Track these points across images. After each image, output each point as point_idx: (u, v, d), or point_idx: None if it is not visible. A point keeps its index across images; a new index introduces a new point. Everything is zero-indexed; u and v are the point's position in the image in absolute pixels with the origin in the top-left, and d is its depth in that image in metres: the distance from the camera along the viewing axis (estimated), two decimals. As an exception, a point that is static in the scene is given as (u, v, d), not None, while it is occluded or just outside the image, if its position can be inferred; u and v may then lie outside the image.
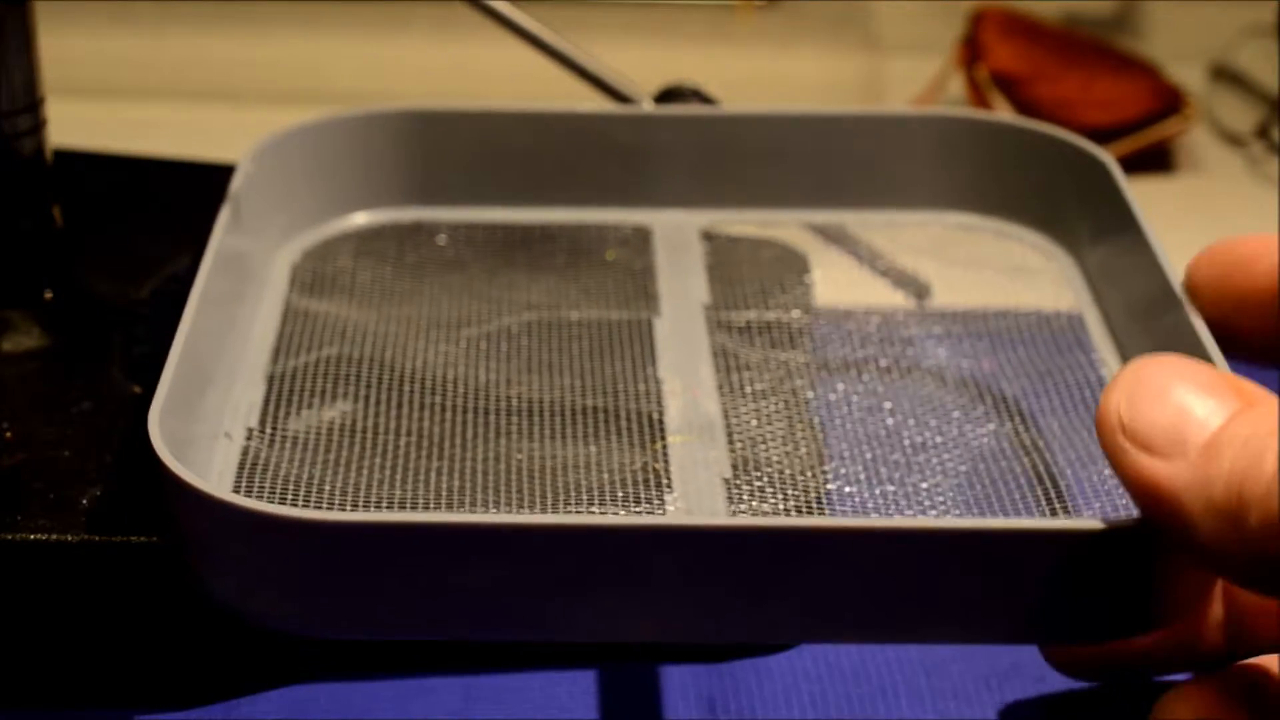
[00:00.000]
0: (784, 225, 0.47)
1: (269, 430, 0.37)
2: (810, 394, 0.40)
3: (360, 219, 0.47)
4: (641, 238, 0.46)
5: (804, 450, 0.38)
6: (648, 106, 0.48)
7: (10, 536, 0.36)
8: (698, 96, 0.49)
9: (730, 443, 0.38)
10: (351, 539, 0.30)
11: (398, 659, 0.38)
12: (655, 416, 0.39)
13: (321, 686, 0.38)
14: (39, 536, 0.36)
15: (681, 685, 0.38)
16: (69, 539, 0.36)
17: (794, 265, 0.46)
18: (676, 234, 0.47)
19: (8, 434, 0.39)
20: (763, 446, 0.38)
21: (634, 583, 0.31)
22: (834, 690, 0.38)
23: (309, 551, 0.30)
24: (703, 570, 0.30)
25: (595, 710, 0.37)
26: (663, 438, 0.38)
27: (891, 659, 0.38)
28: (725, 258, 0.46)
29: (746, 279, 0.45)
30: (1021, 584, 0.30)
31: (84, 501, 0.37)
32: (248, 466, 0.36)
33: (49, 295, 0.44)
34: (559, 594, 0.31)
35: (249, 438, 0.37)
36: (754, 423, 0.39)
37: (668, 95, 0.49)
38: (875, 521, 0.33)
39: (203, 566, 0.33)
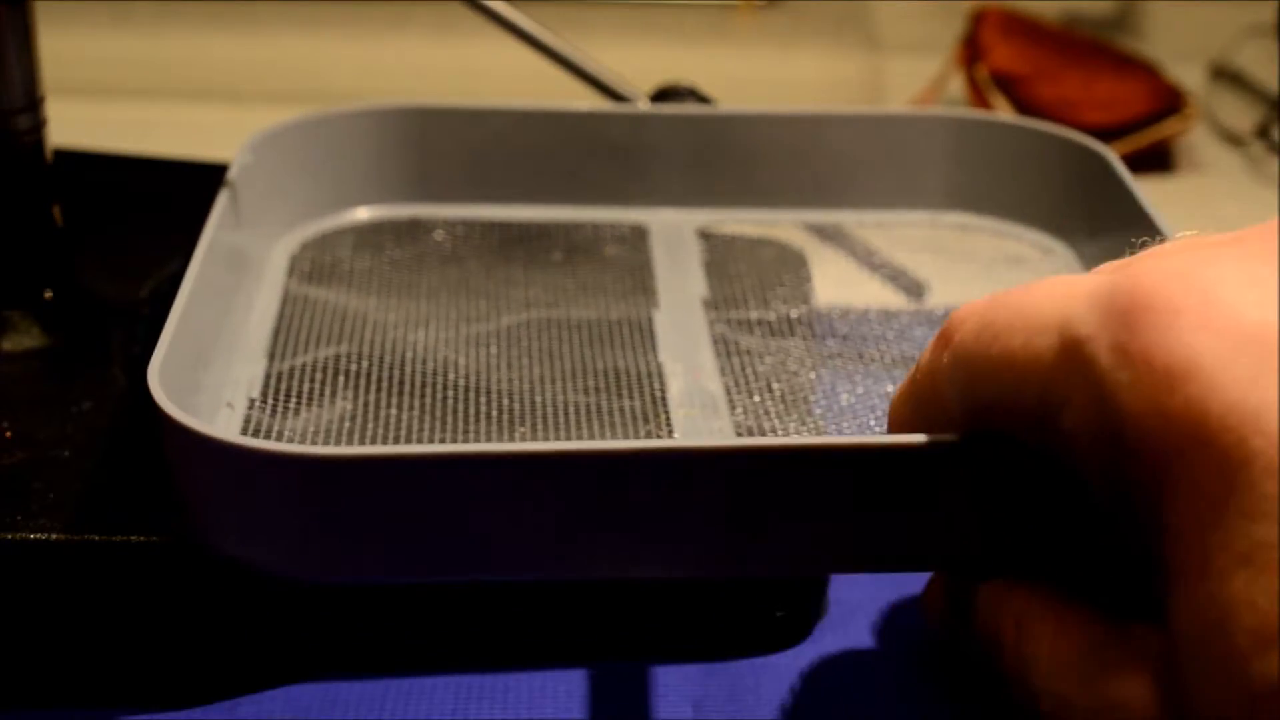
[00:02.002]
0: (781, 225, 0.47)
1: (270, 402, 0.38)
2: (812, 374, 0.40)
3: (358, 214, 0.47)
4: (638, 236, 0.46)
5: (808, 424, 0.38)
6: (643, 105, 0.48)
7: (10, 536, 0.36)
8: (693, 96, 0.49)
9: (733, 413, 0.38)
10: (354, 473, 0.30)
11: (397, 658, 0.38)
12: (658, 395, 0.39)
13: (321, 686, 0.38)
14: (39, 536, 0.36)
15: (672, 685, 0.38)
16: (69, 539, 0.36)
17: (791, 263, 0.46)
18: (673, 232, 0.47)
19: (8, 434, 0.39)
20: (766, 418, 0.38)
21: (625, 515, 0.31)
22: (827, 691, 0.38)
23: (311, 490, 0.30)
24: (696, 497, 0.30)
25: (587, 710, 0.37)
26: (666, 411, 0.38)
27: (889, 657, 0.38)
28: (722, 256, 0.46)
29: (745, 276, 0.45)
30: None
31: (84, 501, 0.37)
32: (249, 431, 0.36)
33: (49, 295, 0.44)
34: (553, 528, 0.31)
35: (250, 407, 0.37)
36: (756, 398, 0.39)
37: (663, 95, 0.49)
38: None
39: (204, 518, 0.32)
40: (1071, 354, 0.25)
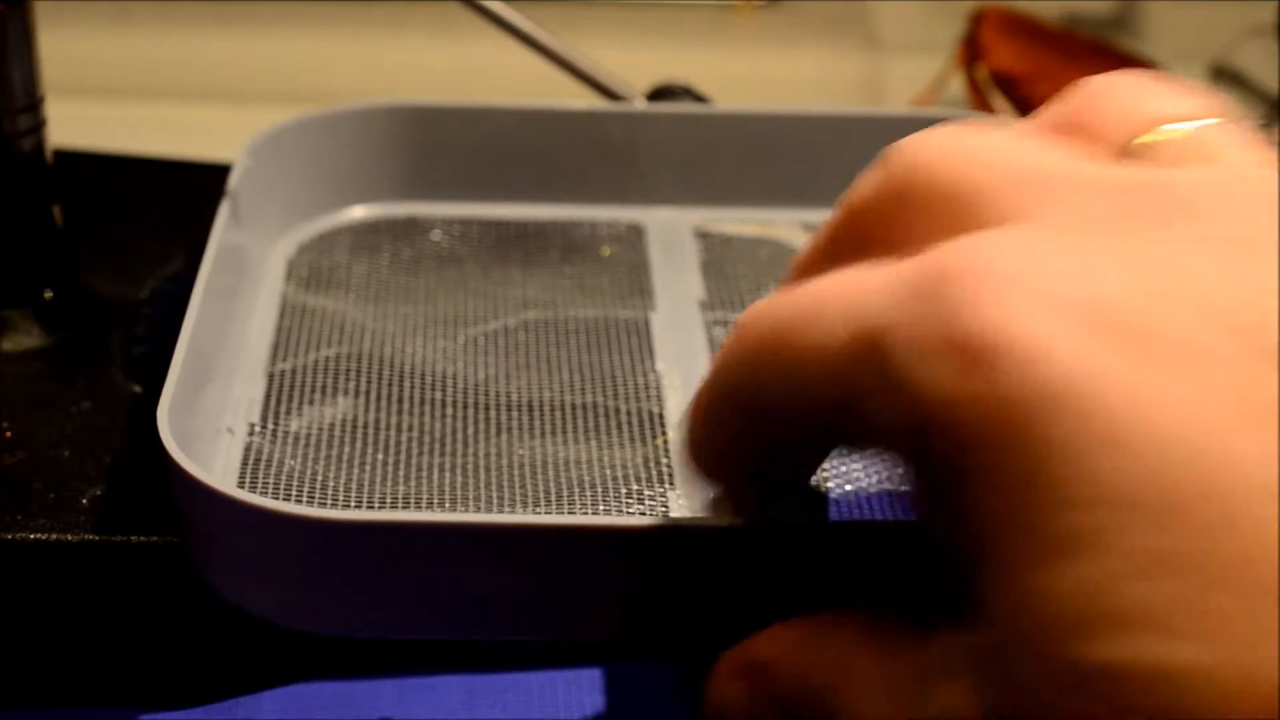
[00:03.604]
0: (778, 224, 0.47)
1: (270, 426, 0.38)
2: None
3: (355, 214, 0.47)
4: (635, 235, 0.47)
5: None
6: (639, 104, 0.48)
7: (10, 536, 0.36)
8: (689, 95, 0.49)
9: None
10: (359, 537, 0.30)
11: (399, 657, 0.38)
12: (655, 412, 0.39)
13: (321, 686, 0.38)
14: (39, 536, 0.36)
15: (676, 684, 0.38)
16: (69, 539, 0.36)
17: (788, 263, 0.46)
18: (670, 231, 0.47)
19: (8, 434, 0.39)
20: None
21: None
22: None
23: (317, 549, 0.31)
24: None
25: (596, 709, 0.37)
26: (663, 432, 0.38)
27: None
28: (719, 255, 0.46)
29: (741, 277, 0.45)
30: None
31: (84, 501, 0.37)
32: (251, 462, 0.36)
33: (49, 295, 0.44)
34: (557, 593, 0.31)
35: (251, 433, 0.37)
36: None
37: (659, 94, 0.49)
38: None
39: (209, 562, 0.33)
40: (868, 351, 0.23)
